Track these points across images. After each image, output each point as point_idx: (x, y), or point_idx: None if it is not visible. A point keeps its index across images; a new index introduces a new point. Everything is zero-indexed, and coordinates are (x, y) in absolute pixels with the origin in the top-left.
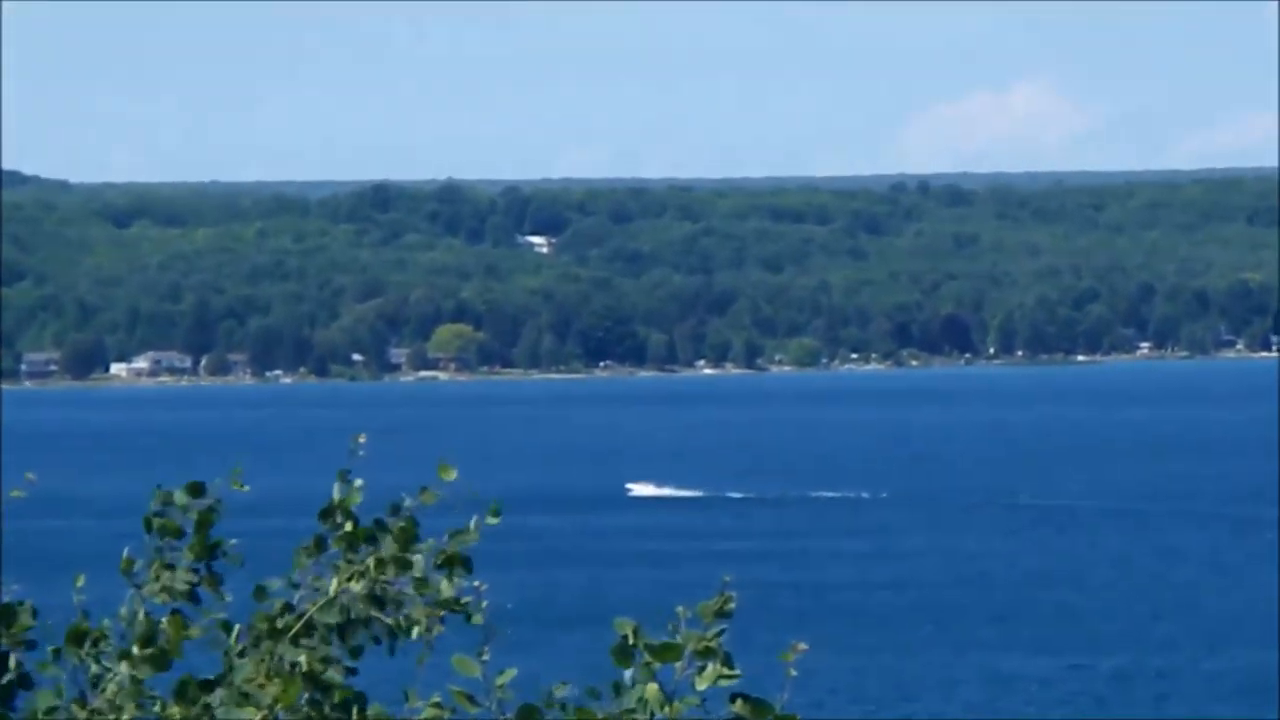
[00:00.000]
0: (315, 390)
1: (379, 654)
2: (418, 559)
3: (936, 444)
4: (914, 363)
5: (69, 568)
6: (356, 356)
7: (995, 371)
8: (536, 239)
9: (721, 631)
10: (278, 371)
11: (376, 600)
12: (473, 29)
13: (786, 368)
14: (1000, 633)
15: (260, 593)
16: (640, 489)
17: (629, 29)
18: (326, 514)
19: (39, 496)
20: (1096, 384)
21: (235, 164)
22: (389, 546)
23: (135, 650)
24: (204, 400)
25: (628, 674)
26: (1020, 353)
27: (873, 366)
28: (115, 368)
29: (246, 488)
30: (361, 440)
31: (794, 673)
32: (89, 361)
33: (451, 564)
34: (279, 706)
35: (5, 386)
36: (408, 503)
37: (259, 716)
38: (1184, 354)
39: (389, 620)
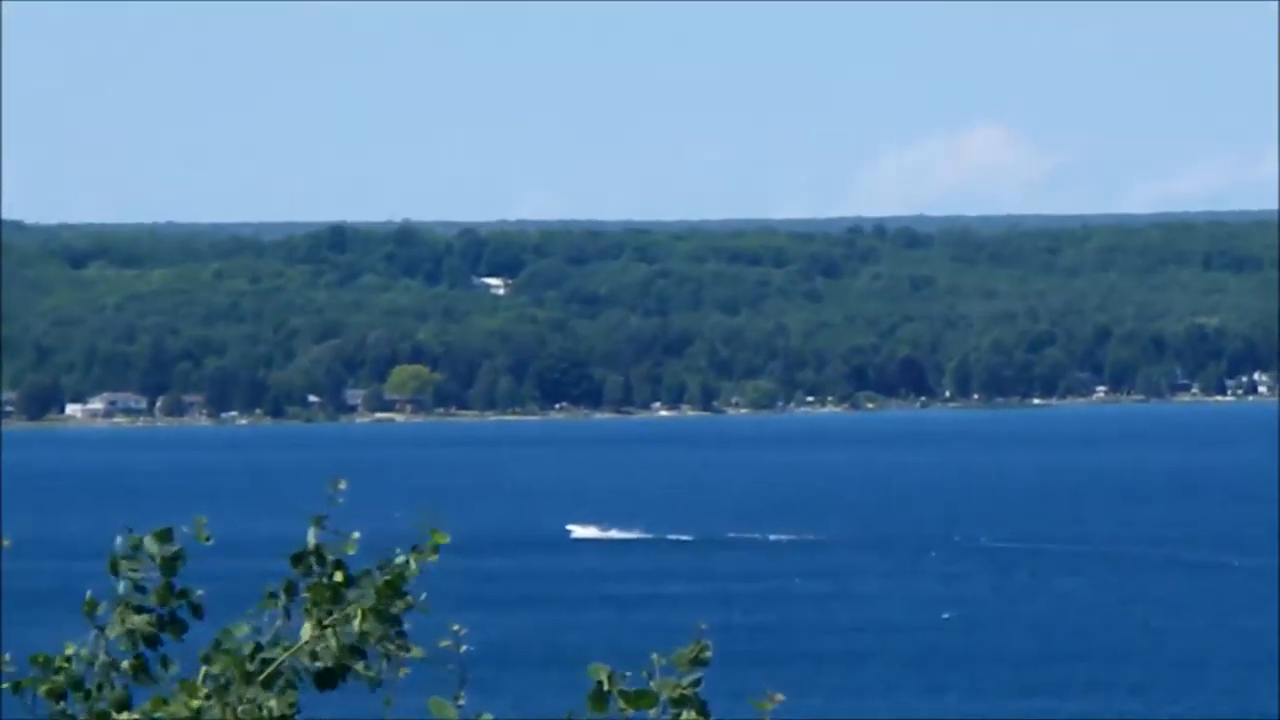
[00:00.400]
0: (271, 432)
1: (342, 698)
2: (398, 610)
3: (893, 486)
4: (870, 405)
5: (23, 608)
6: (313, 398)
7: (951, 414)
8: (493, 280)
9: (698, 680)
10: (233, 413)
11: (357, 651)
12: (429, 70)
13: (743, 410)
14: (962, 676)
15: (227, 635)
16: (582, 531)
17: (585, 71)
18: (299, 559)
19: None
20: (1053, 427)
21: (191, 205)
22: (371, 597)
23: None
24: (159, 441)
25: None
26: (976, 395)
27: (829, 409)
28: (70, 408)
29: (210, 540)
30: (342, 486)
31: None
32: (44, 402)
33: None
34: None
35: None
36: (400, 559)
37: None
38: (1139, 397)
39: (369, 673)
